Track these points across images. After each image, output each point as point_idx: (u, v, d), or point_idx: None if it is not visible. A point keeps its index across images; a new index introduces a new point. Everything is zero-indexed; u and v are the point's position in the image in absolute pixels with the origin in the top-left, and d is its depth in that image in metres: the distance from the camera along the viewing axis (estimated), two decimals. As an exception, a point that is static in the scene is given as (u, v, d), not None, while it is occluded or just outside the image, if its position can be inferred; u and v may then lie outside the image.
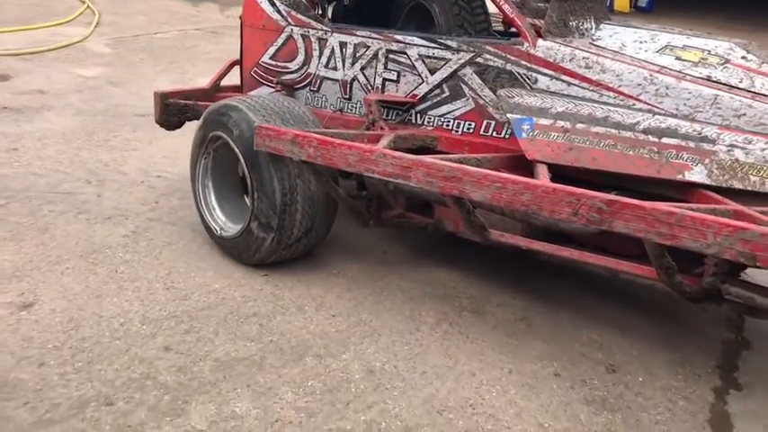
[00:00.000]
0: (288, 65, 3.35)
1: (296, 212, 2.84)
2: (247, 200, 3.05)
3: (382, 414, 2.22)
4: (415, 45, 2.95)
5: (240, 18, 3.60)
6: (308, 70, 3.30)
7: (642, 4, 17.50)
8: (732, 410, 2.44)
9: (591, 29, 2.92)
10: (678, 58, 2.66)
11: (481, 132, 2.88)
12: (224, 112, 2.92)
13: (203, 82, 6.21)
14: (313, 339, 2.59)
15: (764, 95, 2.50)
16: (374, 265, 3.18)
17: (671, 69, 2.61)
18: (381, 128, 2.93)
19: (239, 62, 3.69)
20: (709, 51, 2.68)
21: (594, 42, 2.79)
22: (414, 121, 3.05)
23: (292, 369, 2.40)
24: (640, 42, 2.74)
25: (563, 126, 2.62)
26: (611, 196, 2.11)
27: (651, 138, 2.49)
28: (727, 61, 2.64)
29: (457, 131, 2.93)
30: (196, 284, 2.87)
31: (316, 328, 2.66)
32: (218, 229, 3.07)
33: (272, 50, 3.41)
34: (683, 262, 2.37)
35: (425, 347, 2.61)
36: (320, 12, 3.33)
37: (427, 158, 2.44)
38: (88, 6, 9.02)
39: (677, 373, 2.59)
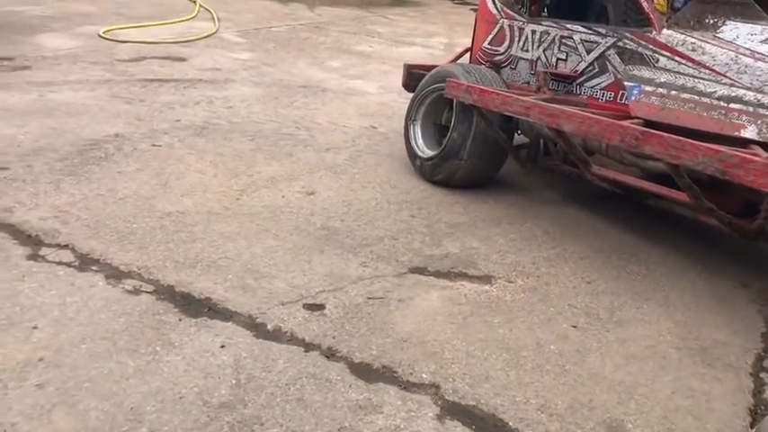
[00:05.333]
0: (498, 48, 4.42)
1: (473, 148, 3.99)
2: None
3: (564, 251, 3.49)
4: (578, 32, 3.89)
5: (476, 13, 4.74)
6: (510, 52, 4.33)
7: (678, 5, 18.65)
8: None
9: (722, 24, 3.69)
10: None
11: (618, 101, 3.70)
12: (444, 73, 4.18)
13: (335, 65, 7.59)
14: (501, 216, 3.88)
15: None
16: (526, 191, 4.47)
17: (761, 54, 3.24)
18: (544, 92, 3.97)
19: (470, 48, 4.79)
20: None
21: (716, 34, 3.53)
22: (574, 92, 3.94)
23: (495, 229, 3.69)
24: (751, 35, 3.45)
25: (661, 92, 3.43)
26: (644, 129, 2.93)
27: (722, 103, 3.20)
28: None
29: (601, 100, 3.79)
30: (410, 186, 4.18)
31: (500, 210, 3.95)
32: (419, 152, 4.33)
33: (489, 38, 4.46)
34: (744, 211, 3.23)
35: (573, 217, 3.88)
36: (521, 6, 4.32)
37: (541, 102, 3.44)
38: (201, 6, 10.41)
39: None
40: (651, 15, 3.69)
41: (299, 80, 6.63)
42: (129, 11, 9.53)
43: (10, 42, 6.93)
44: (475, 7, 14.88)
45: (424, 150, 4.36)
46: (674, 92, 3.43)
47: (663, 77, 3.51)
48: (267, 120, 5.23)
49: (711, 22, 3.82)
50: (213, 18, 9.53)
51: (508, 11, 4.37)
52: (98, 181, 3.77)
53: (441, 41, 10.07)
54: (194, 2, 10.71)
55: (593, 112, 3.37)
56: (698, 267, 3.46)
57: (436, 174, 4.20)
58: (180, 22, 9.09)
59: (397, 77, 6.88)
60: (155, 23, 8.70)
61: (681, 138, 2.80)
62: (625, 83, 3.67)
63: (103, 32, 7.75)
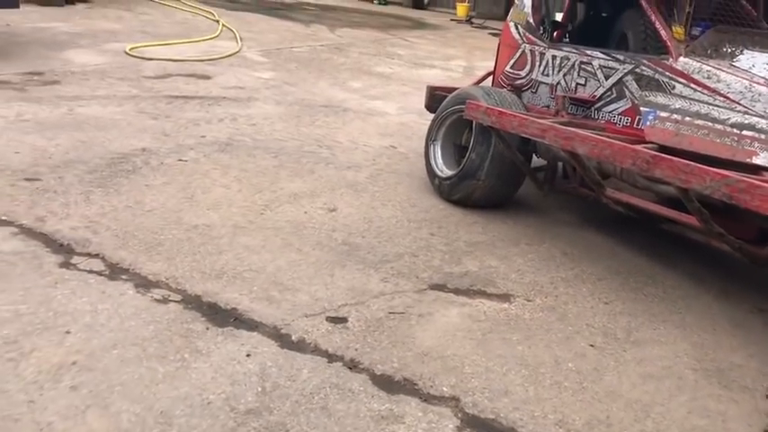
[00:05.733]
0: (519, 72, 4.52)
1: (491, 169, 4.06)
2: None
3: (582, 272, 3.55)
4: (597, 58, 3.98)
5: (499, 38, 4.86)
6: (531, 77, 4.43)
7: (695, 33, 18.80)
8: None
9: (739, 53, 3.72)
10: None
11: (635, 125, 3.75)
12: (465, 95, 4.28)
13: (356, 85, 7.72)
14: (519, 236, 3.94)
15: None
16: (544, 213, 4.53)
17: None
18: (562, 116, 4.03)
19: (493, 72, 4.89)
20: None
21: (732, 62, 3.58)
22: (592, 117, 4.00)
23: (513, 249, 3.75)
24: (767, 64, 3.50)
25: (675, 118, 3.49)
26: (655, 153, 2.97)
27: (735, 130, 3.24)
28: None
29: (619, 124, 3.84)
30: (430, 205, 4.25)
31: (519, 231, 4.01)
32: (438, 171, 4.43)
33: (511, 62, 4.57)
34: (759, 238, 3.29)
35: (590, 240, 3.94)
36: (543, 32, 4.45)
37: (557, 125, 3.51)
38: (224, 25, 10.62)
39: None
40: (669, 43, 3.75)
41: (320, 100, 6.76)
42: (153, 29, 9.76)
43: (39, 57, 7.12)
44: (493, 31, 15.16)
45: (443, 170, 4.44)
46: (688, 118, 3.47)
47: (678, 104, 3.56)
48: (289, 137, 5.33)
49: (729, 50, 3.88)
50: (236, 38, 9.73)
51: (530, 36, 4.46)
52: (126, 193, 3.87)
53: (460, 64, 10.20)
54: (217, 21, 10.94)
55: (607, 136, 3.43)
56: (713, 291, 3.49)
57: (454, 193, 4.28)
58: (204, 40, 9.30)
59: (417, 99, 7.01)
60: (179, 42, 8.91)
61: (690, 162, 2.85)
62: (641, 108, 3.73)
63: (130, 49, 7.95)
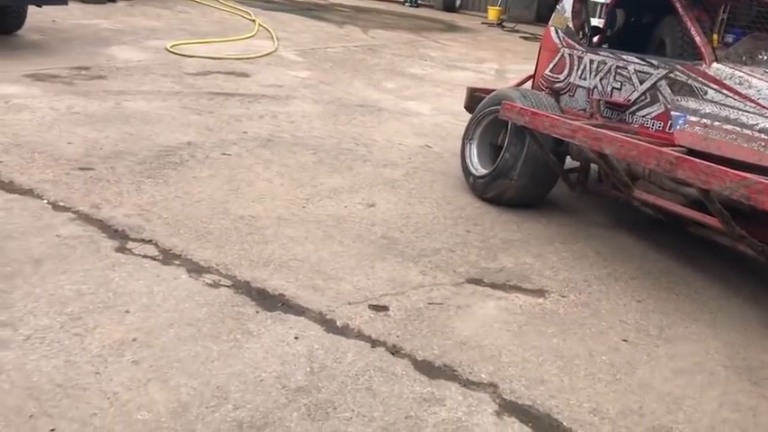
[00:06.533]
0: (558, 76, 4.64)
1: (524, 169, 4.15)
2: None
3: (614, 271, 3.63)
4: (633, 62, 4.09)
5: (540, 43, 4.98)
6: (569, 80, 4.54)
7: (729, 40, 18.68)
8: None
9: None
10: None
11: (666, 129, 3.85)
12: (502, 96, 4.39)
13: (390, 86, 7.84)
14: (553, 235, 4.03)
15: None
16: (577, 214, 4.61)
17: None
18: (597, 119, 4.15)
19: (533, 75, 5.01)
20: None
21: (767, 69, 3.72)
22: (626, 120, 4.11)
23: (548, 247, 3.85)
24: None
25: (705, 122, 3.60)
26: (678, 154, 3.10)
27: (763, 135, 3.32)
28: None
29: (651, 129, 3.95)
30: (465, 203, 4.36)
31: (553, 230, 4.11)
32: (473, 170, 4.54)
33: (551, 65, 4.69)
34: None
35: (622, 241, 4.02)
36: (582, 37, 4.56)
37: (587, 126, 3.61)
38: (260, 25, 10.82)
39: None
40: (703, 49, 3.83)
41: (355, 99, 6.90)
42: (192, 27, 9.98)
43: (85, 53, 7.36)
44: (525, 35, 15.23)
45: (478, 168, 4.55)
46: (717, 123, 3.56)
47: (708, 109, 3.65)
48: (327, 135, 5.48)
49: (764, 57, 3.95)
50: (272, 37, 9.91)
51: (569, 40, 4.56)
52: (175, 184, 4.04)
53: (492, 67, 10.28)
54: (254, 21, 11.15)
55: (636, 138, 3.51)
56: (744, 294, 3.56)
57: (487, 191, 4.38)
58: (241, 39, 9.49)
59: (450, 100, 7.14)
60: (218, 40, 9.11)
61: (711, 164, 2.94)
62: (672, 112, 3.81)
63: (171, 47, 8.16)
